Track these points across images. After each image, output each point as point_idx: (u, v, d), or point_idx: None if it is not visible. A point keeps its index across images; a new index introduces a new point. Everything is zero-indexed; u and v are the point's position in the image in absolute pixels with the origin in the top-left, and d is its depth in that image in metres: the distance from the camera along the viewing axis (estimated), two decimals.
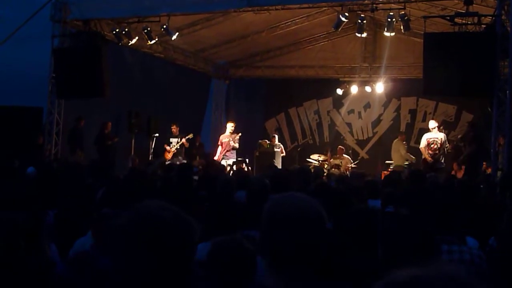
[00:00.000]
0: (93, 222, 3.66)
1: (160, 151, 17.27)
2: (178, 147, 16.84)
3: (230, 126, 16.65)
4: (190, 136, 16.91)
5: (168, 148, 16.95)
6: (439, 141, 14.56)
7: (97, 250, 3.34)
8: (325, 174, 13.47)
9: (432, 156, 14.45)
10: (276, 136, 18.65)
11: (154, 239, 1.65)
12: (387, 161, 16.61)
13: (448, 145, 14.89)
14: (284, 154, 18.15)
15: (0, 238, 3.03)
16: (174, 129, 17.06)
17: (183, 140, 16.82)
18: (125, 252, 1.68)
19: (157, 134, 17.10)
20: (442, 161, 14.64)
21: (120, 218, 1.74)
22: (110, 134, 16.15)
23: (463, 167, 14.90)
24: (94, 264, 3.25)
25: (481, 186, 7.80)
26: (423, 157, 14.81)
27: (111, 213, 3.47)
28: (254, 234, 3.84)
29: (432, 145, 14.56)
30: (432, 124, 14.98)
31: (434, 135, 14.65)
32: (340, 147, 17.88)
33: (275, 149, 17.68)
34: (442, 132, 14.99)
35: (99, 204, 3.94)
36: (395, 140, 16.71)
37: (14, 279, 2.94)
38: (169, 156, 16.77)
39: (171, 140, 16.99)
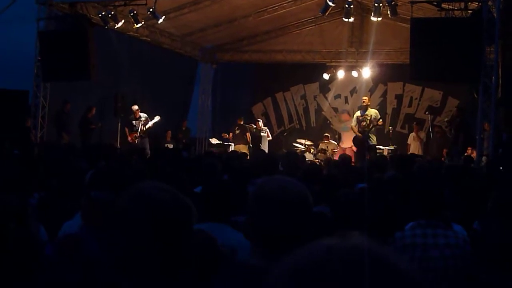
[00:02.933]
0: (82, 204, 3.66)
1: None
2: (144, 129, 16.31)
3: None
4: (157, 118, 16.43)
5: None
6: (369, 118, 15.26)
7: (86, 233, 3.34)
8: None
9: (361, 132, 15.14)
10: (261, 121, 18.70)
11: (153, 220, 1.65)
12: None
13: (380, 121, 15.53)
14: (270, 138, 18.23)
15: None
16: (137, 110, 16.53)
17: (150, 124, 16.32)
18: (123, 233, 1.68)
19: (143, 118, 16.91)
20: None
21: (119, 199, 1.74)
22: (93, 118, 16.05)
23: (445, 150, 15.08)
24: (82, 247, 3.25)
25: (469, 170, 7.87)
26: (354, 135, 15.61)
27: (100, 196, 3.46)
28: (240, 220, 3.85)
29: (362, 123, 15.30)
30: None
31: (363, 112, 15.50)
32: (326, 134, 17.97)
33: (262, 134, 17.70)
34: (374, 109, 15.90)
35: (88, 187, 3.93)
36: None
37: (3, 261, 2.94)
38: (135, 140, 16.14)
39: (134, 123, 16.40)
